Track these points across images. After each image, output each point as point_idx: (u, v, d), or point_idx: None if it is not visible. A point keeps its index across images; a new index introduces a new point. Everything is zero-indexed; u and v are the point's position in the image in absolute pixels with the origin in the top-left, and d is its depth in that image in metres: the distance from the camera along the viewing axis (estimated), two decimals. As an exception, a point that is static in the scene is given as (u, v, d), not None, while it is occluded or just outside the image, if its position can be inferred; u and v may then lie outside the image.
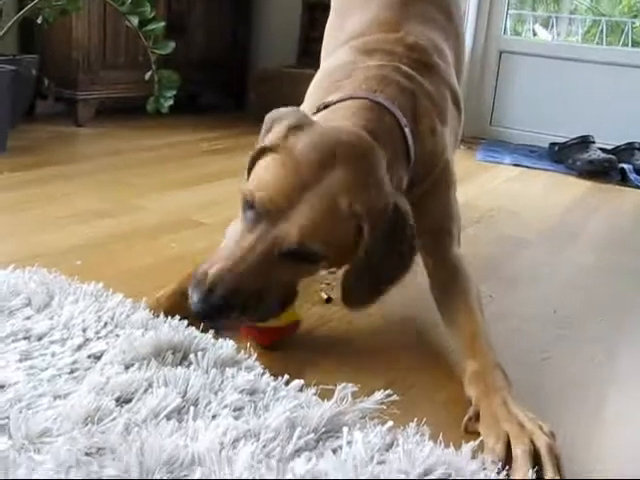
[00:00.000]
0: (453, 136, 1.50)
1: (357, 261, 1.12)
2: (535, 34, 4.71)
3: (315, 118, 1.24)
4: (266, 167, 1.14)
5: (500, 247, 2.04)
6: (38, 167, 2.46)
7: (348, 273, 1.16)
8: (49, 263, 1.49)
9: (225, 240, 1.16)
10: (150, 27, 2.71)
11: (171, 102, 2.78)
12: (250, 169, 1.19)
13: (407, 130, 1.29)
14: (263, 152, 1.17)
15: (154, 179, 2.47)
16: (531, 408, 1.04)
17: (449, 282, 1.35)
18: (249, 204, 1.11)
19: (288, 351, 1.22)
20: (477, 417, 1.04)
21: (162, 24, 2.73)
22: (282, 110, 1.22)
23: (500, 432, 0.98)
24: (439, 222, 1.43)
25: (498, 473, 0.91)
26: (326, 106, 1.31)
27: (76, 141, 3.11)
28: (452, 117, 1.49)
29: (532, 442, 0.95)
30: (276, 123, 1.19)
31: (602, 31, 4.44)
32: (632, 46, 4.08)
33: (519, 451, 0.94)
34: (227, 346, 1.09)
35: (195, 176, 2.53)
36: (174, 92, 2.79)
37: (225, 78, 3.94)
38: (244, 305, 1.07)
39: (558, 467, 0.93)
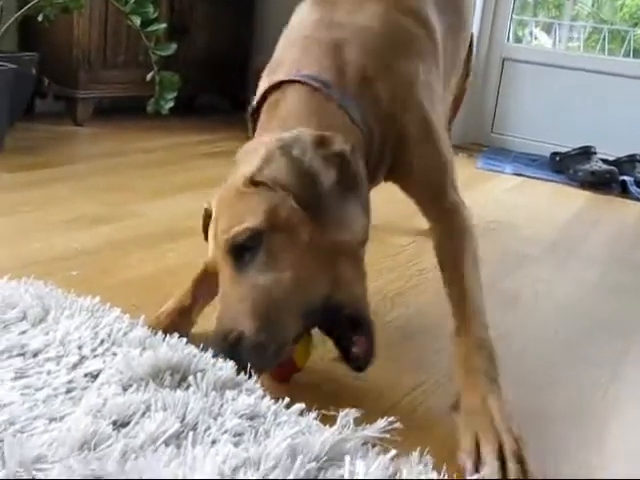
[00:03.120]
0: (423, 67, 1.35)
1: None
2: (536, 38, 4.70)
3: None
4: None
5: (501, 263, 2.02)
6: (36, 168, 2.44)
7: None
8: (45, 272, 1.47)
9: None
10: (152, 28, 2.68)
11: (171, 104, 2.76)
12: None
13: (341, 99, 1.22)
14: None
15: (153, 182, 2.44)
16: (534, 432, 1.02)
17: (445, 242, 1.32)
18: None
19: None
20: (458, 405, 1.07)
21: (164, 25, 2.71)
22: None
23: (472, 430, 1.01)
24: (428, 178, 1.35)
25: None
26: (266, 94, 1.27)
27: (75, 141, 3.08)
28: (420, 47, 1.37)
29: (500, 443, 0.98)
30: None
31: (604, 38, 4.43)
32: (633, 55, 4.06)
33: (485, 451, 0.97)
34: (227, 367, 1.06)
35: (195, 180, 2.51)
36: (174, 94, 2.76)
37: (226, 79, 3.91)
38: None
39: (523, 470, 0.95)
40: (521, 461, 0.96)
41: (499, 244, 2.21)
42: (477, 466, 0.96)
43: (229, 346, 1.05)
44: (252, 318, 1.04)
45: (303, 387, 1.16)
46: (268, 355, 1.05)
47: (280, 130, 1.15)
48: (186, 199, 2.26)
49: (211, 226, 1.14)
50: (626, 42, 4.35)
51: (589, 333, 1.59)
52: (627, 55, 4.24)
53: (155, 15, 2.68)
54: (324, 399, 1.07)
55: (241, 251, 1.07)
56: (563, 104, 3.84)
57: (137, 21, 2.63)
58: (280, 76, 1.25)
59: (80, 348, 1.10)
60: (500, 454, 0.97)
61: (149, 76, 2.66)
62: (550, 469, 1.04)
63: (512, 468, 0.95)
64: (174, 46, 2.75)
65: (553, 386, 1.32)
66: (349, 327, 1.10)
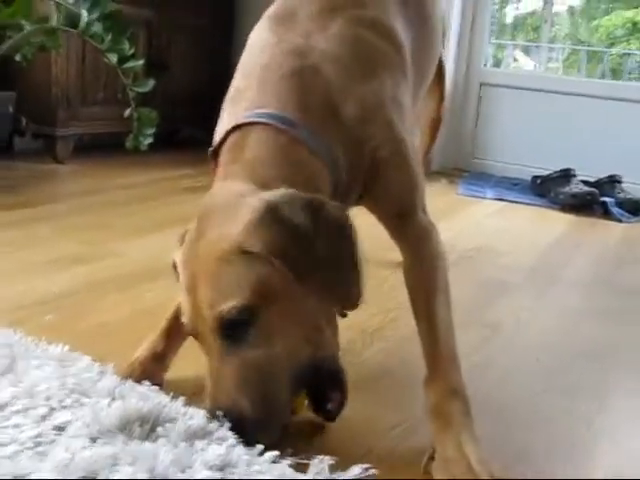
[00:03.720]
0: (391, 81, 1.29)
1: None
2: (516, 60, 4.74)
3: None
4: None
5: (482, 291, 2.02)
6: (16, 208, 2.43)
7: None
8: (20, 317, 1.46)
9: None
10: (129, 65, 2.69)
11: (150, 140, 2.76)
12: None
13: (307, 138, 1.16)
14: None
15: (133, 220, 2.44)
16: (518, 469, 1.01)
17: (415, 271, 1.28)
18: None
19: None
20: (434, 456, 1.05)
21: (141, 62, 2.71)
22: None
23: (449, 477, 1.00)
24: (399, 200, 1.30)
25: None
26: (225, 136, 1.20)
27: (55, 179, 3.07)
28: (386, 60, 1.31)
29: None
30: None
31: (581, 60, 4.48)
32: (611, 75, 4.11)
33: None
34: (198, 415, 1.05)
35: (175, 216, 2.49)
36: (153, 130, 2.76)
37: (206, 113, 3.90)
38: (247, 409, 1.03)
39: None
40: None
41: (479, 271, 2.21)
42: None
43: (232, 426, 1.02)
44: (250, 396, 1.02)
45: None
46: (273, 429, 1.04)
47: (247, 177, 1.09)
48: (166, 236, 2.24)
49: (186, 293, 1.06)
50: (602, 63, 4.40)
51: (572, 361, 1.57)
52: (604, 75, 4.29)
53: (132, 52, 2.69)
54: (298, 443, 1.06)
55: (230, 327, 1.01)
56: (542, 127, 3.87)
57: (114, 58, 2.64)
58: (240, 114, 1.19)
59: (48, 399, 1.08)
60: None
61: (127, 112, 2.66)
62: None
63: None
64: (152, 82, 2.75)
65: (536, 417, 1.30)
66: (326, 382, 1.08)
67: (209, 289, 1.01)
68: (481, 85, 3.99)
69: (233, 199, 1.05)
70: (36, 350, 1.23)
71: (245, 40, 1.40)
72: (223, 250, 1.00)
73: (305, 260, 1.01)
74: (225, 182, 1.11)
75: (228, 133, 1.18)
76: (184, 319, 1.07)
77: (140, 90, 2.71)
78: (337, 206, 1.07)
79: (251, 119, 1.16)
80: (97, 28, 2.63)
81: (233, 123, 1.18)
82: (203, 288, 1.02)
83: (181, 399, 1.11)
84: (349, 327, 1.29)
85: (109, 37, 2.65)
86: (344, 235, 1.05)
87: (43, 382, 1.12)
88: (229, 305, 0.99)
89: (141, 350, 1.28)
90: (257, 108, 1.18)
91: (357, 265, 1.04)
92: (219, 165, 1.17)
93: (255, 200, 1.02)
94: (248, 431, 1.01)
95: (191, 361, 1.33)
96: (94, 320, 1.56)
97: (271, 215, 1.00)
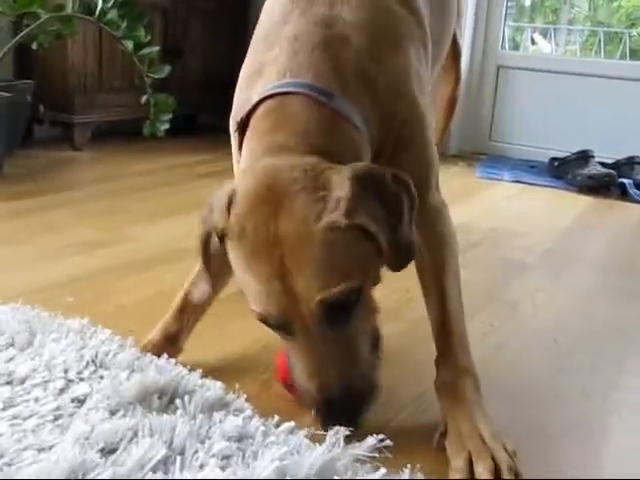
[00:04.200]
0: (414, 53, 1.26)
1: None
2: (534, 43, 4.70)
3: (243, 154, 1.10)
4: (240, 267, 0.99)
5: (500, 271, 2.01)
6: (34, 195, 2.45)
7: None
8: (41, 299, 1.48)
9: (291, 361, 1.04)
10: (145, 51, 2.70)
11: (167, 126, 2.77)
12: (206, 254, 1.07)
13: (345, 109, 1.11)
14: (210, 235, 1.03)
15: (151, 205, 2.45)
16: (532, 447, 1.02)
17: (426, 250, 1.23)
18: (268, 323, 1.01)
19: (279, 390, 1.20)
20: (446, 432, 1.07)
21: (157, 48, 2.73)
22: (215, 195, 1.05)
23: (464, 451, 1.01)
24: (417, 175, 1.20)
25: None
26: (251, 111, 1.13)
27: (73, 166, 3.10)
28: (410, 31, 1.27)
29: (494, 459, 0.98)
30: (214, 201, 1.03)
31: (600, 41, 4.43)
32: (630, 56, 4.06)
33: (480, 469, 0.98)
34: (215, 387, 1.06)
35: (192, 201, 2.50)
36: (170, 115, 2.78)
37: (223, 99, 3.91)
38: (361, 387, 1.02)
39: None
40: (516, 475, 0.97)
41: (497, 252, 2.20)
42: None
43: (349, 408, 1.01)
44: (362, 374, 1.01)
45: (293, 403, 1.14)
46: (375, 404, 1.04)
47: (299, 149, 1.02)
48: (183, 220, 2.26)
49: (271, 279, 0.95)
50: (622, 44, 4.35)
51: (588, 341, 1.57)
52: (624, 57, 4.24)
53: (147, 39, 2.71)
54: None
55: (338, 309, 0.96)
56: (560, 109, 3.84)
57: (129, 45, 2.66)
58: (269, 85, 1.12)
59: (66, 372, 1.10)
60: (494, 472, 0.97)
61: (144, 99, 2.68)
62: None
63: None
64: (168, 68, 2.77)
65: (550, 396, 1.31)
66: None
67: (313, 273, 0.94)
68: (498, 68, 3.95)
69: (308, 174, 0.97)
70: (53, 324, 1.25)
71: None
72: (322, 231, 0.93)
73: (392, 229, 0.99)
74: (277, 155, 1.02)
75: (259, 103, 1.11)
76: (266, 307, 0.98)
77: (156, 76, 2.72)
78: (407, 176, 1.05)
79: (287, 89, 1.09)
80: (112, 15, 2.65)
81: (265, 93, 1.10)
82: (304, 272, 0.94)
83: (199, 372, 1.13)
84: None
85: (124, 24, 2.67)
86: (413, 206, 1.03)
87: (61, 355, 1.13)
88: (341, 288, 0.94)
89: (154, 332, 1.29)
90: (290, 78, 1.11)
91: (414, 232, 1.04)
92: (251, 135, 1.11)
93: (340, 175, 0.97)
94: (363, 410, 1.01)
95: (207, 339, 1.35)
96: (114, 302, 1.57)
97: (364, 189, 0.96)
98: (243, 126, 1.14)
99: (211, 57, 3.82)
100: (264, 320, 0.99)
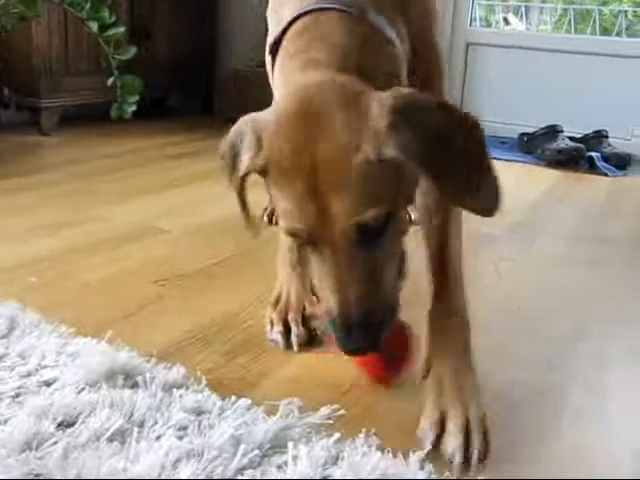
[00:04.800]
0: None
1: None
2: (508, 23, 4.70)
3: (277, 75, 1.08)
4: (278, 187, 0.98)
5: (467, 244, 2.01)
6: (1, 179, 2.43)
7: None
8: (6, 280, 1.48)
9: (314, 282, 1.05)
10: (110, 32, 2.68)
11: (134, 108, 2.75)
12: (242, 199, 1.07)
13: (382, 26, 1.09)
14: (246, 176, 1.01)
15: (118, 186, 2.44)
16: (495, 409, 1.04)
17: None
18: (302, 241, 1.00)
19: (241, 361, 1.21)
20: (428, 373, 1.09)
21: (122, 29, 2.70)
22: (235, 128, 1.03)
23: (441, 402, 1.04)
24: (430, 67, 1.26)
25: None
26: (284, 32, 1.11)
27: (41, 150, 3.07)
28: None
29: (466, 416, 1.02)
30: (239, 144, 1.01)
31: (572, 19, 4.45)
32: (601, 34, 4.08)
33: (452, 422, 1.01)
34: (178, 371, 1.07)
35: (159, 182, 2.51)
36: (137, 97, 2.76)
37: (192, 80, 3.90)
38: (383, 309, 1.00)
39: (485, 440, 1.00)
40: (484, 432, 1.00)
41: (465, 226, 2.21)
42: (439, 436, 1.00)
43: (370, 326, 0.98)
44: (396, 292, 1.03)
45: (254, 377, 1.16)
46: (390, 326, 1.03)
47: (338, 65, 1.00)
48: (151, 201, 2.26)
49: (307, 198, 0.95)
50: (592, 21, 4.37)
51: (552, 309, 1.59)
52: (594, 34, 4.26)
53: (112, 20, 2.68)
54: (273, 393, 1.08)
55: (368, 233, 0.96)
56: (529, 85, 3.86)
57: (94, 27, 2.63)
58: (303, 2, 1.09)
59: (40, 360, 1.10)
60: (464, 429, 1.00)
61: (110, 81, 2.66)
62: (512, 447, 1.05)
63: (477, 439, 1.00)
64: (134, 50, 2.74)
65: (514, 363, 1.32)
66: None
67: (348, 197, 0.94)
68: (468, 45, 3.96)
69: (346, 97, 0.95)
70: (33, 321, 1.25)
71: (230, 6, 1.38)
72: (359, 162, 0.93)
73: (440, 162, 0.95)
74: (312, 72, 1.00)
75: (294, 20, 1.09)
76: (297, 224, 0.97)
77: (122, 58, 2.70)
78: (459, 108, 1.01)
79: (320, 5, 1.07)
80: (76, -4, 2.62)
81: (299, 11, 1.08)
82: (339, 196, 0.94)
83: (164, 352, 1.14)
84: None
85: (88, 5, 2.64)
86: (477, 138, 0.99)
87: (38, 348, 1.13)
88: (372, 213, 0.94)
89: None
90: None
91: (491, 169, 0.99)
92: (284, 54, 1.09)
93: (380, 101, 0.93)
94: (382, 330, 1.00)
95: (174, 314, 1.36)
96: (78, 280, 1.57)
97: (404, 118, 0.92)
98: (276, 47, 1.11)
99: (179, 39, 3.79)
100: (294, 234, 0.99)
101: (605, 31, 4.37)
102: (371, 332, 0.98)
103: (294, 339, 1.25)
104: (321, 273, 1.00)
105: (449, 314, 1.14)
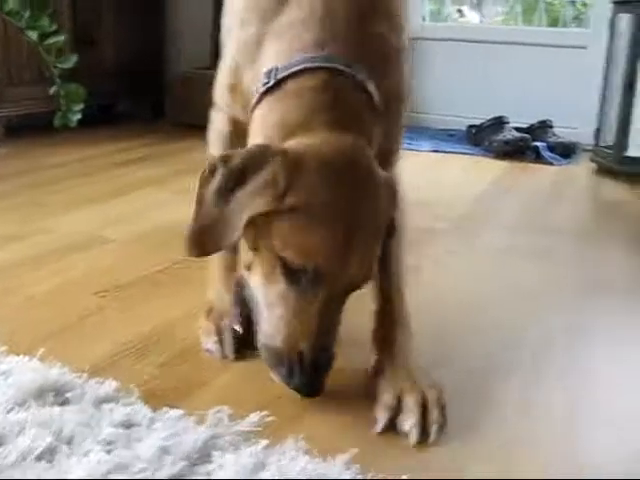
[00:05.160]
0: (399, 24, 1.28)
1: None
2: (463, 15, 4.73)
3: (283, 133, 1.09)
4: (296, 227, 1.01)
5: (410, 237, 2.04)
6: (-55, 194, 2.41)
7: None
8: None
9: (279, 309, 1.07)
10: (51, 41, 2.65)
11: (79, 116, 2.73)
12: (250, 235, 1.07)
13: (370, 87, 1.14)
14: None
15: (65, 197, 2.43)
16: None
17: None
18: (299, 272, 1.03)
19: (174, 382, 1.20)
20: (376, 373, 1.16)
21: (62, 37, 2.67)
22: (250, 152, 1.05)
23: (396, 387, 1.10)
24: (390, 146, 1.31)
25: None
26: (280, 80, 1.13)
27: (-14, 163, 3.04)
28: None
29: (423, 395, 1.09)
30: (250, 172, 1.02)
31: (521, 11, 4.49)
32: (549, 25, 4.12)
33: (410, 401, 1.08)
34: (109, 385, 1.08)
35: (106, 190, 2.50)
36: (81, 106, 2.74)
37: (140, 86, 3.89)
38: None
39: (442, 415, 1.07)
40: (442, 407, 1.08)
41: (410, 221, 2.23)
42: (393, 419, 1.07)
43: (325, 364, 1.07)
44: (332, 335, 1.08)
45: (187, 386, 1.17)
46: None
47: (357, 134, 1.09)
48: (97, 210, 2.26)
49: (336, 247, 1.02)
50: (537, 12, 4.41)
51: (495, 300, 1.62)
52: (542, 25, 4.31)
53: (53, 28, 2.66)
54: (204, 403, 1.09)
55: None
56: (476, 77, 3.91)
57: (34, 36, 2.61)
58: (305, 54, 1.12)
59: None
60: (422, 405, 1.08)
61: (52, 90, 2.64)
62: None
63: (435, 413, 1.07)
64: (75, 58, 2.72)
65: (455, 352, 1.35)
66: None
67: (368, 257, 1.07)
68: (416, 39, 4.00)
69: (370, 162, 1.08)
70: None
71: (177, 7, 1.38)
72: (378, 229, 1.08)
73: None
74: (341, 133, 1.07)
75: (290, 75, 1.12)
76: (321, 260, 1.02)
77: (64, 66, 2.68)
78: None
79: (329, 64, 1.11)
80: (14, 5, 2.60)
81: (304, 65, 1.11)
82: (362, 255, 1.04)
83: (95, 367, 1.14)
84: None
85: (27, 14, 2.62)
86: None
87: None
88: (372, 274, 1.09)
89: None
90: (328, 50, 1.12)
91: None
92: (293, 103, 1.10)
93: (389, 179, 1.13)
94: (316, 378, 1.06)
95: (111, 325, 1.37)
96: (22, 295, 1.56)
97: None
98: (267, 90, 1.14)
99: (125, 44, 3.77)
100: (300, 267, 1.02)
101: (554, 22, 4.42)
102: (323, 377, 1.07)
103: (228, 348, 1.26)
104: (293, 312, 1.05)
105: (396, 323, 1.22)
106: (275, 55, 1.16)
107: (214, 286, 1.40)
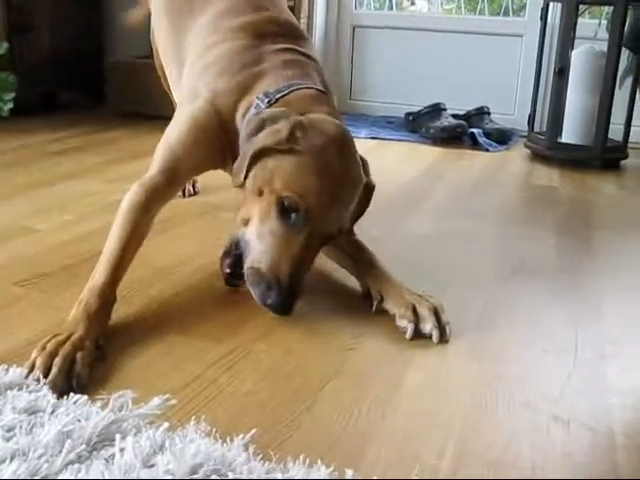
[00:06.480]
0: None
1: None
2: (413, 3, 4.77)
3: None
4: (297, 171, 1.32)
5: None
6: None
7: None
8: None
9: (269, 239, 1.33)
10: (-21, 29, 2.64)
11: (11, 105, 2.73)
12: (249, 168, 1.37)
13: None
14: (264, 152, 1.35)
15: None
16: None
17: None
18: (290, 208, 1.31)
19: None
20: (381, 300, 1.47)
21: (-10, 26, 2.66)
22: (273, 111, 1.41)
23: (407, 302, 1.42)
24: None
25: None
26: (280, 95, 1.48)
27: None
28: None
29: (430, 304, 1.41)
30: (269, 122, 1.38)
31: (465, 0, 4.53)
32: (491, 13, 4.16)
33: (425, 310, 1.39)
34: (15, 372, 1.09)
35: (37, 180, 2.48)
36: (13, 95, 2.73)
37: (80, 73, 3.85)
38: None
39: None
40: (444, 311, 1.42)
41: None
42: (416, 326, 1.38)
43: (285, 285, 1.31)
44: (307, 267, 1.38)
45: (95, 379, 1.17)
46: None
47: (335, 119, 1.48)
48: (26, 200, 2.24)
49: (322, 205, 1.33)
50: (480, 2, 4.46)
51: (414, 283, 1.65)
52: (483, 14, 4.37)
53: (-18, 16, 2.63)
54: (113, 389, 1.11)
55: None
56: (415, 65, 3.96)
57: (-38, 24, 2.58)
58: (290, 81, 1.51)
59: None
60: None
61: (-18, 79, 2.62)
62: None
63: (443, 317, 1.39)
64: (5, 45, 2.71)
65: (377, 341, 1.38)
66: None
67: (345, 211, 1.40)
68: (354, 28, 4.03)
69: (352, 143, 1.45)
70: None
71: None
72: (357, 187, 1.43)
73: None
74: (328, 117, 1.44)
75: (288, 92, 1.49)
76: (312, 195, 1.32)
77: (-6, 54, 2.66)
78: None
79: (310, 86, 1.53)
80: (-60, -8, 2.57)
81: (296, 86, 1.51)
82: (342, 208, 1.39)
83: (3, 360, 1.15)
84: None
85: (-45, 2, 2.59)
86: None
87: None
88: (349, 225, 1.50)
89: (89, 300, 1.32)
90: (304, 79, 1.54)
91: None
92: (300, 105, 1.46)
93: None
94: (290, 297, 1.32)
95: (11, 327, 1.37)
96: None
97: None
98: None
99: (63, 30, 3.71)
100: (291, 203, 1.31)
101: (498, 10, 4.47)
102: (294, 300, 1.33)
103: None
104: (280, 242, 1.32)
105: (371, 256, 1.60)
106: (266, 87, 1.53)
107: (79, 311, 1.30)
